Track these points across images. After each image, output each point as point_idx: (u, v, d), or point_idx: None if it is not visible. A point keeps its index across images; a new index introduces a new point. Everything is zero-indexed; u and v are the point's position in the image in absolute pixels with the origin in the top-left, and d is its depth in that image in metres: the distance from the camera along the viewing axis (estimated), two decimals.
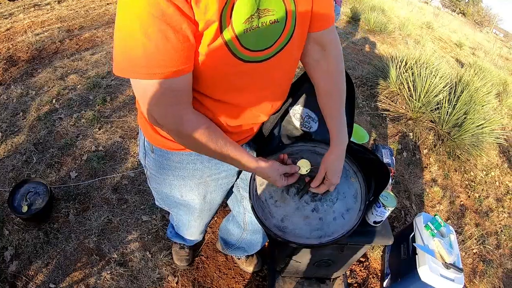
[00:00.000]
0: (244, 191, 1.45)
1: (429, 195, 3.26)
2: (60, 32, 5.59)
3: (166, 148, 1.07)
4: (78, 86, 3.70)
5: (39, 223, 2.19)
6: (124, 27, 0.70)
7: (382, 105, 4.28)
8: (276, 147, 1.28)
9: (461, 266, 1.89)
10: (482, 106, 4.16)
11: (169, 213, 2.31)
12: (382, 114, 4.15)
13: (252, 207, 1.13)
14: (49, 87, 3.69)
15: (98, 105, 3.34)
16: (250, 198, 1.15)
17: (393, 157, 2.41)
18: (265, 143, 1.29)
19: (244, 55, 0.82)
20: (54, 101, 3.38)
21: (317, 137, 1.28)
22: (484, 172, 3.97)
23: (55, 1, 8.02)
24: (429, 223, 2.04)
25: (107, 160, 2.71)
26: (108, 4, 7.62)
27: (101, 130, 3.02)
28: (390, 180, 2.20)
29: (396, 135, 3.89)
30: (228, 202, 1.63)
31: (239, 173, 1.31)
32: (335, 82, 1.10)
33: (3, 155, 2.69)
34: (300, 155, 1.23)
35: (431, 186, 3.36)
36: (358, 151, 1.28)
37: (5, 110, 3.23)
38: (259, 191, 1.18)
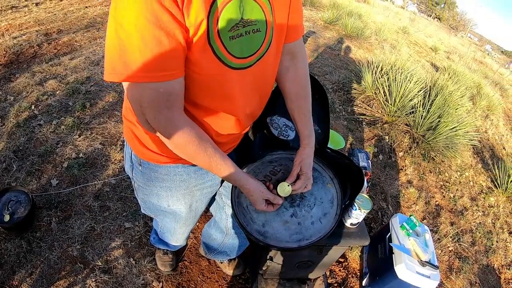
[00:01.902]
0: (226, 198, 1.50)
1: (405, 196, 3.36)
2: (38, 35, 5.52)
3: (153, 161, 1.11)
4: (57, 92, 3.66)
5: (21, 232, 2.17)
6: (120, 32, 0.73)
7: (358, 109, 4.38)
8: (256, 155, 1.33)
9: (436, 264, 1.99)
10: (456, 109, 4.33)
11: (151, 219, 2.33)
12: (359, 118, 4.25)
13: (234, 214, 1.18)
14: (28, 92, 3.64)
15: (77, 112, 3.32)
16: (232, 204, 1.19)
17: (369, 161, 2.49)
18: (245, 152, 1.34)
19: (230, 62, 0.88)
20: (33, 107, 3.34)
21: (295, 144, 1.33)
22: (459, 173, 4.12)
23: (33, 4, 7.85)
24: (404, 223, 2.13)
25: (88, 167, 2.70)
26: (86, 7, 7.53)
27: (81, 136, 3.00)
28: (366, 183, 2.28)
29: (372, 139, 3.98)
30: (211, 208, 1.67)
31: (222, 181, 1.35)
32: (303, 86, 1.19)
33: None
34: (279, 162, 1.29)
35: (406, 188, 3.47)
36: (334, 158, 1.35)
37: None
38: (240, 198, 1.22)
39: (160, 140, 0.95)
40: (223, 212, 1.57)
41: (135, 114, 0.89)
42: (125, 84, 0.82)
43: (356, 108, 4.41)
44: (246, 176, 1.07)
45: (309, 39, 7.45)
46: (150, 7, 0.70)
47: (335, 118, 4.17)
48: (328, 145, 1.46)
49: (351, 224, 1.51)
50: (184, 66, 0.83)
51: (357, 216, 1.45)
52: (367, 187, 2.45)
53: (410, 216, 2.18)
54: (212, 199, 1.53)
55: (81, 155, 2.80)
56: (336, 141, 2.52)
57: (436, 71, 8.21)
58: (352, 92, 4.75)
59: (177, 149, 0.95)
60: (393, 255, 2.07)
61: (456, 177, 4.03)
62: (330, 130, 1.77)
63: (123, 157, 2.84)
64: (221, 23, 0.81)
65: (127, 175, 2.51)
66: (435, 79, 5.00)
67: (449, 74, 7.43)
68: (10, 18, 6.73)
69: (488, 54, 29.29)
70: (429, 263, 1.97)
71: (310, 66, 5.86)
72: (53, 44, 5.23)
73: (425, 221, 3.17)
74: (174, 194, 1.22)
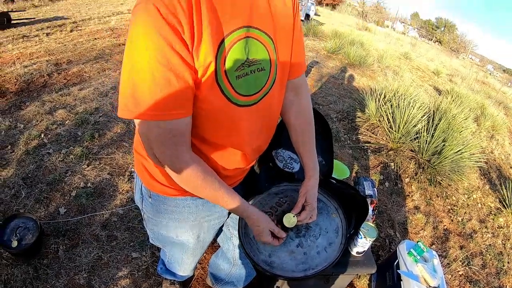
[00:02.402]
0: (234, 229, 1.51)
1: (413, 222, 3.34)
2: (49, 65, 5.63)
3: (163, 193, 1.14)
4: (67, 122, 3.73)
5: (29, 258, 2.18)
6: (133, 72, 0.78)
7: (363, 137, 4.42)
8: (262, 187, 1.35)
9: None
10: (460, 132, 4.33)
11: (159, 249, 2.33)
12: (364, 146, 4.27)
13: (241, 244, 1.19)
14: (38, 121, 3.71)
15: (86, 141, 3.38)
16: (239, 235, 1.21)
17: (375, 189, 2.49)
18: (252, 184, 1.36)
19: (237, 100, 0.92)
20: (42, 136, 3.40)
21: (299, 176, 1.36)
22: (466, 196, 4.10)
23: (43, 33, 8.17)
24: (412, 249, 2.11)
25: (96, 197, 2.73)
26: (95, 39, 7.75)
27: (90, 166, 3.05)
28: (371, 212, 2.28)
29: (378, 166, 4.00)
30: (218, 239, 1.68)
31: (229, 213, 1.37)
32: (307, 120, 1.23)
33: None
34: (285, 194, 1.31)
35: (414, 214, 3.45)
36: (338, 188, 1.37)
37: None
38: (247, 229, 1.24)
39: (169, 174, 0.98)
40: (230, 243, 1.58)
41: (144, 148, 0.93)
42: (136, 121, 0.86)
43: (361, 136, 4.45)
44: (252, 208, 1.09)
45: (312, 69, 7.58)
46: (162, 50, 0.74)
47: (340, 147, 4.21)
48: (333, 175, 1.48)
49: (357, 252, 1.52)
50: (192, 106, 0.87)
51: (363, 244, 1.46)
52: (373, 215, 2.45)
53: (418, 242, 2.17)
54: (220, 229, 1.54)
55: (89, 184, 2.84)
56: (341, 170, 2.54)
57: (439, 95, 8.27)
58: (357, 120, 4.80)
59: (184, 183, 0.98)
60: (401, 282, 2.04)
61: (463, 200, 4.00)
62: (335, 160, 1.80)
63: (130, 187, 2.87)
64: (228, 64, 0.85)
65: (135, 205, 2.53)
66: (438, 103, 5.04)
67: (452, 97, 7.47)
68: (21, 47, 6.96)
69: (490, 74, 29.48)
70: None
71: (314, 96, 5.96)
72: (63, 74, 5.35)
73: (433, 246, 3.13)
74: (182, 225, 1.25)
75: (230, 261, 1.70)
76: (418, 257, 2.09)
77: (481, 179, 4.70)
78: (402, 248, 2.17)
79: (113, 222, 2.55)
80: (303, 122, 1.22)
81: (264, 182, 1.36)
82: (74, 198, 2.68)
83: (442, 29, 62.29)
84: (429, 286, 1.96)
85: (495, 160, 5.71)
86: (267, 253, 1.18)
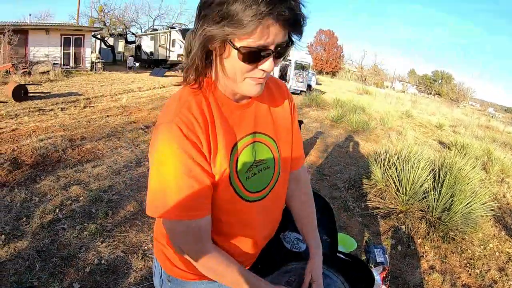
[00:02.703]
0: None
1: (429, 283, 3.29)
2: (63, 140, 5.88)
3: (182, 278, 1.24)
4: (81, 198, 3.87)
5: None
6: (162, 179, 0.92)
7: (371, 203, 4.50)
8: (272, 267, 1.56)
9: None
10: (468, 184, 4.35)
11: None
12: (373, 212, 4.33)
13: None
14: (52, 195, 3.86)
15: (100, 219, 3.49)
16: None
17: (386, 255, 2.61)
18: (263, 264, 1.58)
19: (248, 197, 1.06)
20: (57, 211, 3.53)
21: (306, 255, 1.61)
22: (482, 246, 4.05)
23: (58, 108, 8.63)
24: None
25: (110, 274, 2.78)
26: (108, 116, 8.10)
27: (104, 243, 3.12)
28: (379, 280, 2.46)
29: (388, 231, 4.02)
30: None
31: None
32: (308, 206, 1.37)
33: (6, 258, 2.77)
34: (294, 272, 1.53)
35: (429, 274, 3.41)
36: (345, 261, 1.59)
37: (9, 213, 3.38)
38: None
39: (187, 260, 1.10)
40: None
41: (169, 240, 1.07)
42: (163, 220, 1.02)
43: (369, 203, 4.52)
44: (272, 286, 1.17)
45: (317, 139, 7.85)
46: (185, 162, 0.90)
47: (349, 216, 4.27)
48: (341, 249, 1.66)
49: None
50: (210, 205, 1.00)
51: None
52: (386, 282, 2.58)
53: None
54: None
55: (103, 261, 2.90)
56: (348, 244, 2.65)
57: (444, 148, 8.44)
58: (364, 187, 4.90)
59: (205, 271, 1.09)
60: None
61: (480, 252, 3.94)
62: (342, 233, 2.00)
63: (144, 266, 2.93)
64: (239, 167, 1.02)
65: (148, 284, 2.62)
66: (443, 159, 5.13)
67: (456, 148, 7.60)
68: (37, 120, 7.33)
69: (492, 117, 29.67)
70: None
71: (321, 167, 6.14)
72: (77, 150, 5.56)
73: None
74: None
75: None
76: None
77: (496, 226, 4.67)
78: None
79: None
80: (305, 208, 1.36)
81: (274, 262, 1.51)
82: (88, 274, 2.73)
83: (440, 81, 63.66)
84: None
85: (508, 204, 5.67)
86: None
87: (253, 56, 0.86)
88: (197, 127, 0.93)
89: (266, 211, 1.18)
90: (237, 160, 1.03)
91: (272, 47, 0.86)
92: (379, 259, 2.58)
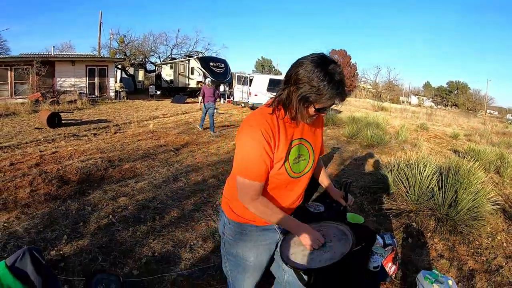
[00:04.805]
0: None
1: (437, 267, 3.55)
2: (103, 161, 6.44)
3: (238, 220, 1.83)
4: (129, 207, 4.36)
5: None
6: (245, 157, 1.61)
7: (384, 205, 4.88)
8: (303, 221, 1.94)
9: None
10: (470, 182, 4.59)
11: None
12: (386, 212, 4.69)
13: (281, 253, 1.73)
14: (103, 205, 4.36)
15: (149, 222, 3.99)
16: (280, 248, 1.78)
17: (394, 239, 3.02)
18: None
19: (292, 175, 1.72)
20: (110, 217, 4.03)
21: (325, 215, 2.08)
22: (490, 239, 4.24)
23: (91, 134, 9.40)
24: (427, 275, 2.59)
25: (163, 263, 3.23)
26: (139, 140, 8.70)
27: (155, 241, 3.61)
28: (393, 255, 2.91)
29: (400, 227, 4.35)
30: (271, 268, 2.10)
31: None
32: (321, 168, 2.14)
33: (70, 253, 3.26)
34: (318, 228, 1.83)
35: (438, 260, 3.68)
36: (357, 225, 2.15)
37: (66, 219, 3.89)
38: (286, 241, 1.81)
39: (243, 209, 1.72)
40: (280, 268, 1.99)
41: (239, 192, 1.67)
42: (239, 177, 1.63)
43: (382, 205, 4.92)
44: (303, 224, 1.75)
45: (334, 155, 8.26)
46: (260, 150, 1.56)
47: (365, 217, 4.48)
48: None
49: (374, 267, 2.29)
50: (267, 176, 1.66)
51: (376, 260, 2.23)
52: (396, 262, 2.97)
53: (433, 270, 2.65)
54: (273, 259, 2.02)
55: (156, 254, 3.38)
56: (356, 219, 3.08)
57: (458, 156, 8.60)
58: (378, 192, 5.34)
59: (260, 213, 1.68)
60: None
61: (487, 243, 4.11)
62: (351, 213, 2.51)
63: (191, 256, 3.36)
64: (290, 157, 1.68)
65: (198, 268, 3.16)
66: (450, 161, 5.45)
67: (467, 153, 7.89)
68: (74, 144, 8.04)
69: (510, 123, 29.30)
70: None
71: (338, 177, 6.51)
72: (117, 169, 6.08)
73: (460, 284, 3.28)
74: (247, 244, 1.86)
75: (281, 285, 2.07)
76: (433, 279, 2.53)
77: (505, 222, 4.83)
78: (420, 277, 2.63)
79: (180, 281, 3.01)
80: (319, 169, 2.12)
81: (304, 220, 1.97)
82: (145, 263, 3.20)
83: (456, 92, 63.03)
84: None
85: None
86: (299, 257, 1.70)
87: (321, 111, 1.58)
88: (271, 133, 1.58)
89: (300, 184, 1.83)
90: (289, 153, 1.67)
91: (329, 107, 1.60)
92: (388, 241, 3.01)
